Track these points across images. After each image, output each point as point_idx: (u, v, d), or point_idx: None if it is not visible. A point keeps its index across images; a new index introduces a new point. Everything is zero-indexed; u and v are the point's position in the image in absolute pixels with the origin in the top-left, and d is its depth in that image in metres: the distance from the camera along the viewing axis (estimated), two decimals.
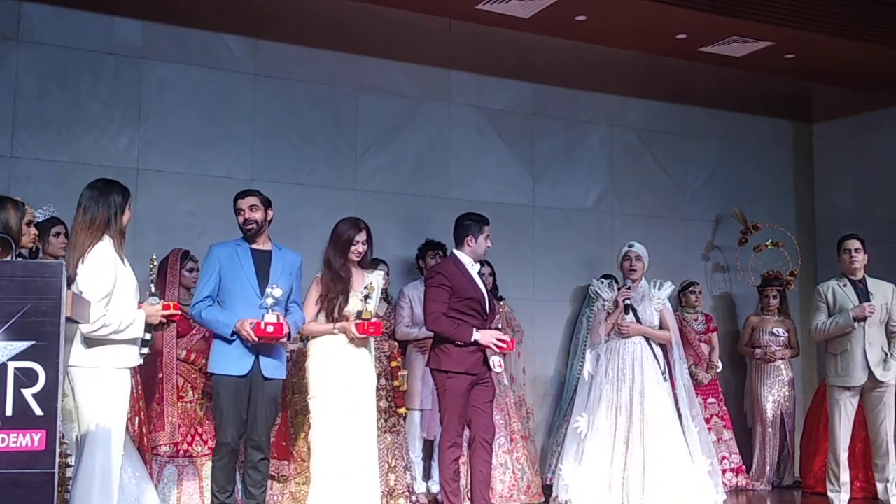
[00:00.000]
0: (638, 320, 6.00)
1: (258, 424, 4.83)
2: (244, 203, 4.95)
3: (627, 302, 5.96)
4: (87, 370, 3.92)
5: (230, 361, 4.78)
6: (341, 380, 4.98)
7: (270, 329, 4.71)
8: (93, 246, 3.98)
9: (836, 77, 8.41)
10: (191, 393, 5.60)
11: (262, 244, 4.97)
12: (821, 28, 7.28)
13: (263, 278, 4.87)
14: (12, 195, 4.33)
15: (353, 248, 5.08)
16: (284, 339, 4.85)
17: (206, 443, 5.53)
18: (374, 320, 5.02)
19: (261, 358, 4.81)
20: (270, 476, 5.58)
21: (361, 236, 5.10)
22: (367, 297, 5.01)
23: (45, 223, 5.04)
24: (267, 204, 5.00)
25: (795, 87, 8.85)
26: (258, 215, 4.93)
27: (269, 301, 4.76)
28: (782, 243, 8.26)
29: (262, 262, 4.92)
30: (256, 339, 4.71)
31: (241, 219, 4.94)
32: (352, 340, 5.01)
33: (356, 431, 4.95)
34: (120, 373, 3.99)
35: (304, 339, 5.96)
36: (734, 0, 6.97)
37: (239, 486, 5.04)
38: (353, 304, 5.02)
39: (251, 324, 4.71)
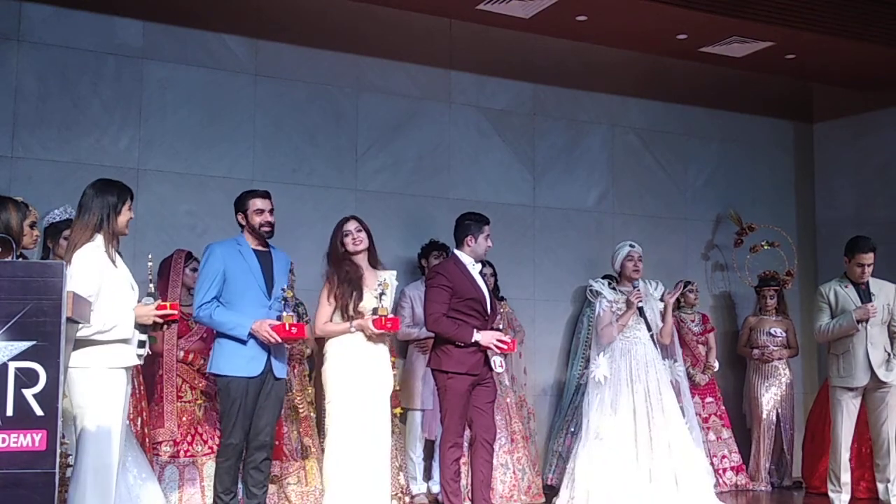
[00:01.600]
0: (646, 320, 6.02)
1: (264, 425, 4.80)
2: (267, 204, 4.91)
3: (641, 304, 5.98)
4: (80, 371, 3.89)
5: (242, 363, 4.72)
6: (360, 381, 4.92)
7: (294, 330, 4.70)
8: (80, 246, 3.95)
9: (836, 77, 8.41)
10: (189, 393, 5.59)
11: (259, 245, 4.94)
12: (821, 28, 7.29)
13: (268, 279, 4.84)
14: (13, 195, 4.33)
15: (346, 240, 5.06)
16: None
17: (206, 442, 5.53)
18: (389, 316, 4.95)
19: (272, 359, 4.79)
20: None
21: (351, 225, 5.08)
22: (381, 293, 4.95)
23: (59, 224, 5.01)
24: None
25: (796, 87, 8.85)
26: (274, 219, 4.93)
27: (283, 302, 4.74)
28: (778, 243, 8.26)
29: (265, 262, 4.89)
30: (280, 340, 4.70)
31: (260, 219, 4.87)
32: (369, 338, 4.96)
33: (373, 432, 4.90)
34: (113, 373, 3.97)
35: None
36: (734, 0, 6.97)
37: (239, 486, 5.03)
38: (369, 302, 4.96)
39: (270, 325, 4.68)
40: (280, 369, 4.84)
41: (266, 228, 4.89)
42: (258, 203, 4.89)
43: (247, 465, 4.85)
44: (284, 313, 4.72)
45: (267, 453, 4.85)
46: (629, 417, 5.87)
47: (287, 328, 4.67)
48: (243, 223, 4.93)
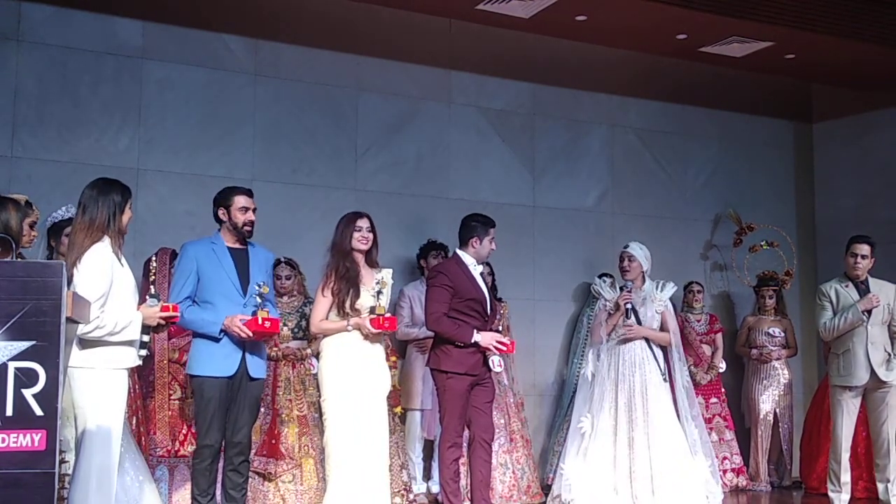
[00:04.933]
0: (639, 322, 6.01)
1: (241, 426, 4.73)
2: (251, 203, 4.82)
3: (629, 305, 5.96)
4: (83, 371, 3.90)
5: (216, 362, 4.64)
6: (356, 379, 4.88)
7: (268, 324, 4.61)
8: (91, 246, 3.95)
9: (836, 77, 8.41)
10: (179, 391, 5.56)
11: (236, 242, 4.84)
12: (821, 28, 7.29)
13: (244, 277, 4.76)
14: (20, 195, 4.33)
15: (356, 235, 5.00)
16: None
17: (196, 443, 5.47)
18: (387, 315, 4.90)
19: (247, 357, 4.70)
20: (259, 474, 5.56)
21: (364, 222, 5.03)
22: (379, 292, 4.90)
23: (62, 223, 5.00)
24: None
25: (795, 87, 8.85)
26: (255, 217, 4.85)
27: (259, 299, 4.66)
28: (777, 243, 8.26)
29: (241, 261, 4.79)
30: (251, 334, 4.60)
31: (243, 218, 4.78)
32: (366, 337, 4.91)
33: (371, 431, 4.86)
34: (117, 373, 3.98)
35: (303, 337, 5.97)
36: (734, 0, 6.97)
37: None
38: (366, 300, 4.92)
39: (242, 320, 4.60)
40: (256, 369, 4.75)
41: (248, 227, 4.80)
42: (242, 201, 4.80)
43: (225, 467, 4.77)
44: (259, 309, 4.64)
45: (245, 455, 4.78)
46: (611, 416, 5.88)
47: (260, 322, 4.58)
48: (224, 219, 4.83)
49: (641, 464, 5.74)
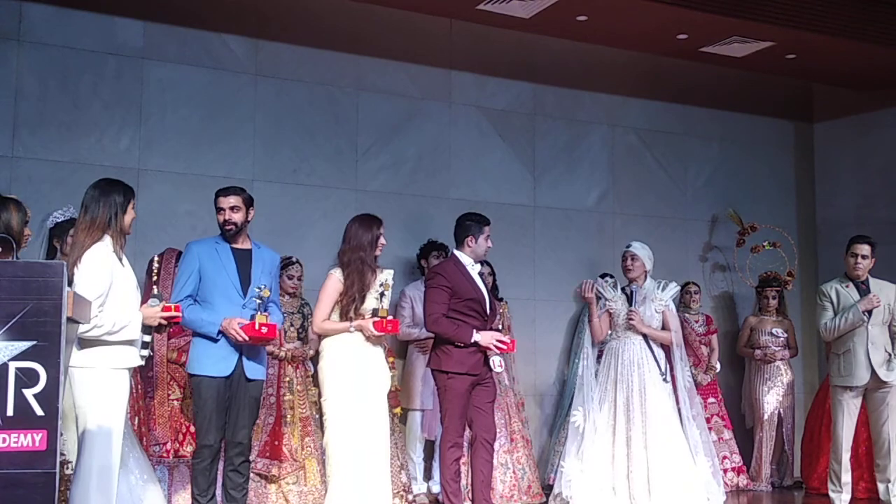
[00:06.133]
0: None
1: (240, 426, 4.74)
2: (225, 202, 4.80)
3: (595, 293, 6.01)
4: (84, 371, 3.91)
5: (213, 362, 4.67)
6: (357, 380, 4.88)
7: (265, 330, 4.60)
8: (91, 246, 3.96)
9: (836, 77, 8.41)
10: (177, 391, 5.56)
11: (241, 243, 4.85)
12: (821, 28, 7.29)
13: (245, 278, 4.76)
14: (13, 195, 4.33)
15: (379, 243, 5.02)
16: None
17: (195, 443, 5.47)
18: (390, 318, 4.91)
19: (244, 359, 4.71)
20: (262, 476, 5.56)
21: (383, 229, 5.07)
22: (382, 294, 4.93)
23: (65, 224, 5.00)
24: (249, 203, 4.87)
25: (796, 87, 8.85)
26: (238, 216, 4.80)
27: (258, 301, 4.66)
28: (779, 244, 8.26)
29: (243, 262, 4.80)
30: (247, 339, 4.61)
31: (220, 218, 4.81)
32: (367, 339, 4.93)
33: (371, 431, 4.87)
34: (118, 373, 3.98)
35: (301, 339, 5.97)
36: (734, 0, 6.98)
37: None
38: (369, 303, 4.94)
39: (239, 323, 4.60)
40: (253, 370, 4.75)
41: (228, 227, 4.79)
42: (219, 201, 4.83)
43: (225, 468, 4.79)
44: (257, 313, 4.64)
45: (245, 456, 4.79)
46: (610, 415, 5.90)
47: (257, 327, 4.58)
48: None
49: (638, 463, 5.75)
